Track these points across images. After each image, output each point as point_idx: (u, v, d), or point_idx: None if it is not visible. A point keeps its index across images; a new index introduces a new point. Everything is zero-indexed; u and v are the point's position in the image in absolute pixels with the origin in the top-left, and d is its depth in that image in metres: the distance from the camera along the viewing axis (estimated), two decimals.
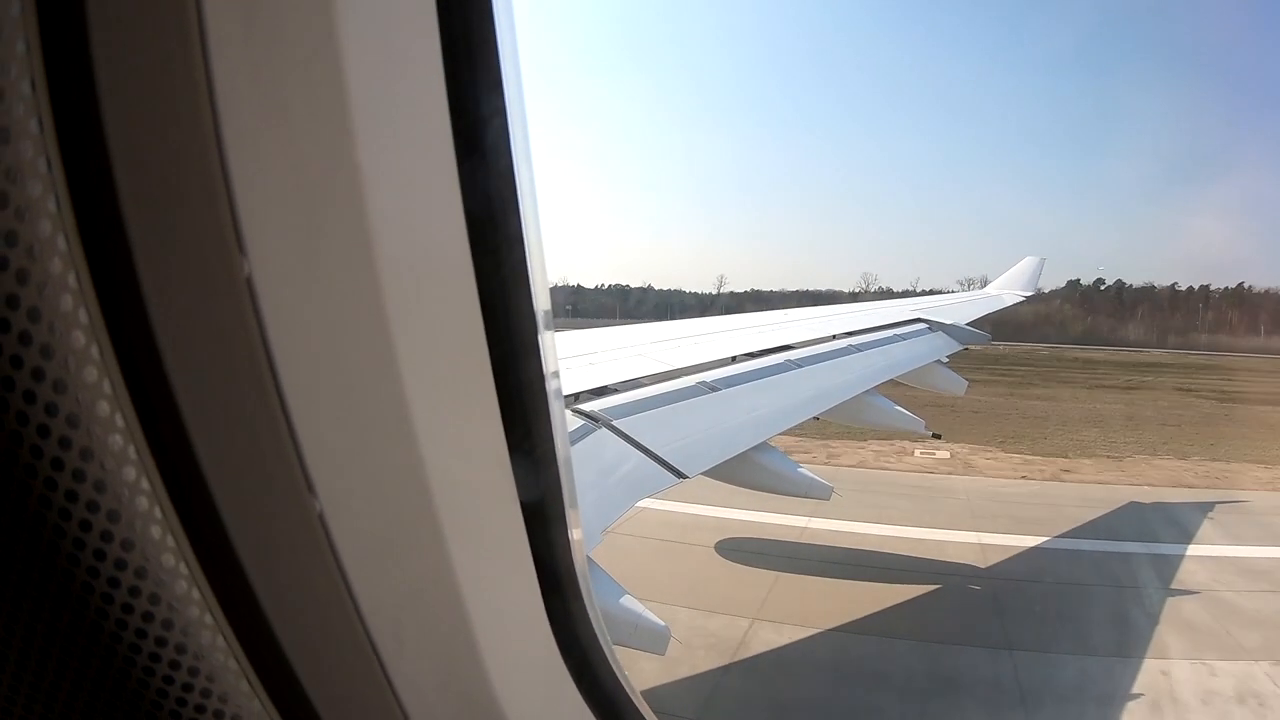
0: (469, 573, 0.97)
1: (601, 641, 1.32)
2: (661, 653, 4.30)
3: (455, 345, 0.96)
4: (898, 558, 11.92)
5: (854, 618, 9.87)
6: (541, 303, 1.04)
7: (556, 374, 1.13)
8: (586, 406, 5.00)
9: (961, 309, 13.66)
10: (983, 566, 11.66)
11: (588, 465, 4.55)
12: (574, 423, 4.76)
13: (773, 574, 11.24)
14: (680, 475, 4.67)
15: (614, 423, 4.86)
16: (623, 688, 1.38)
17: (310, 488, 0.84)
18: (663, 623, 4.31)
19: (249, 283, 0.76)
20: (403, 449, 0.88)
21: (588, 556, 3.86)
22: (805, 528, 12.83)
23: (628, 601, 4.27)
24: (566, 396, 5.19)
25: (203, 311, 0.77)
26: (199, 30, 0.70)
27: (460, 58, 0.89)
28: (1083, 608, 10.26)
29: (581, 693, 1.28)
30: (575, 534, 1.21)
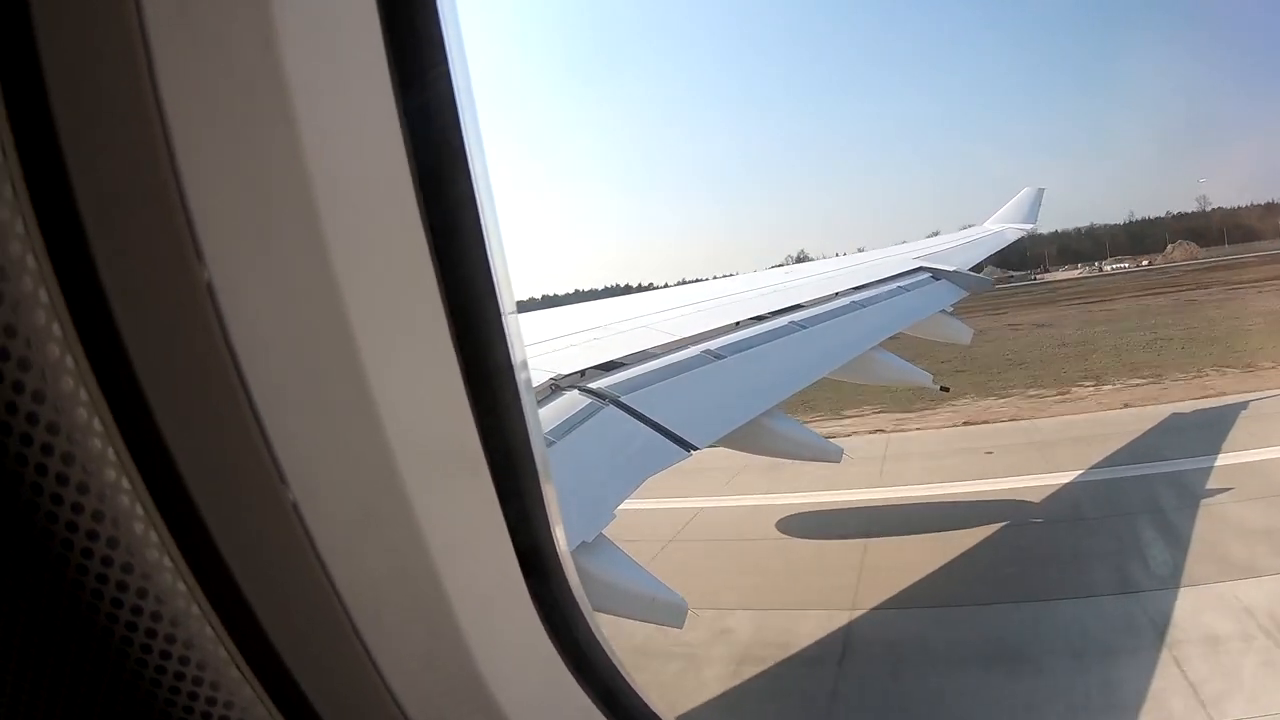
0: (445, 554, 1.01)
1: (585, 615, 1.36)
2: (679, 626, 4.34)
3: (419, 334, 0.99)
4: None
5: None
6: (504, 287, 1.07)
7: (525, 364, 1.17)
8: (594, 385, 5.00)
9: (964, 251, 13.53)
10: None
11: (597, 444, 4.56)
12: (581, 401, 4.76)
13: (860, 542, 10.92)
14: (690, 447, 4.68)
15: (621, 399, 4.86)
16: (608, 659, 1.41)
17: (283, 479, 0.88)
18: (680, 596, 4.33)
19: (210, 288, 0.80)
20: (371, 438, 0.92)
21: (601, 533, 3.92)
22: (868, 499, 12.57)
23: (642, 576, 4.30)
24: (573, 374, 5.20)
25: (168, 319, 0.81)
26: (143, 41, 0.73)
27: (407, 56, 0.92)
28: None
29: (565, 664, 1.31)
30: (551, 507, 1.24)
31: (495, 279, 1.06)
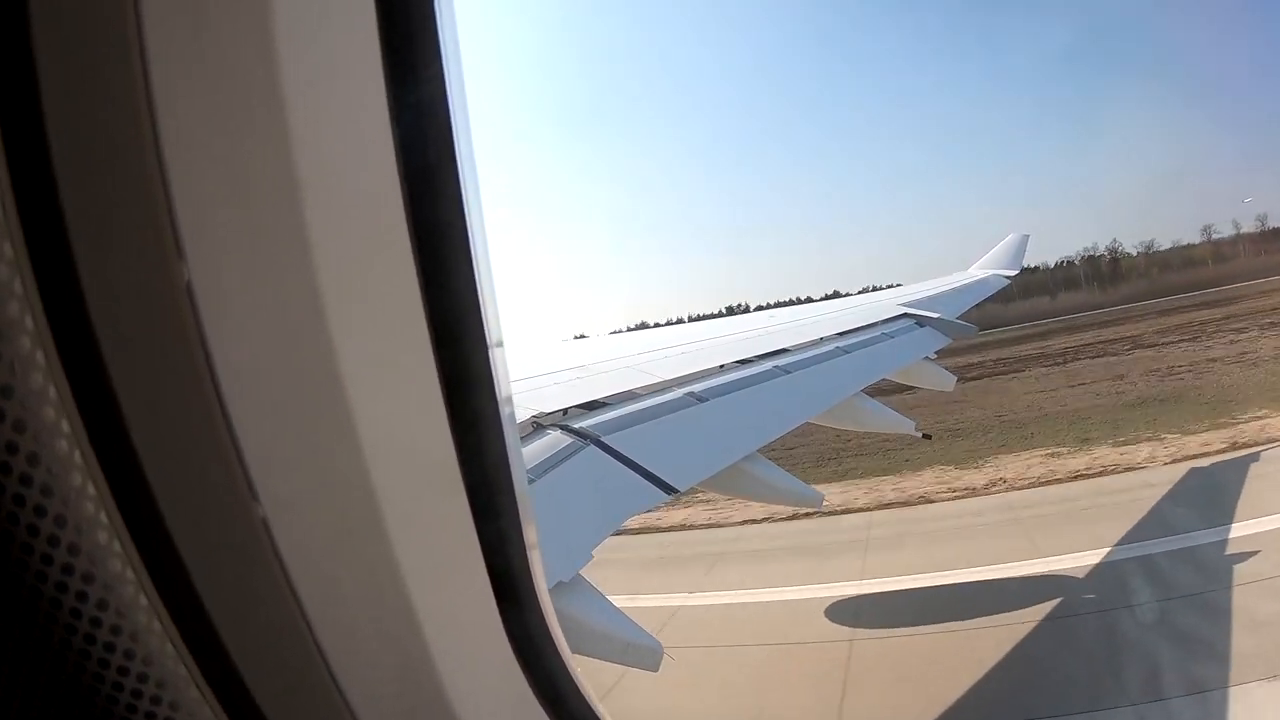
0: (419, 581, 0.98)
1: (560, 649, 1.33)
2: (655, 669, 4.30)
3: (402, 355, 0.97)
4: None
5: None
6: (491, 316, 1.05)
7: (510, 397, 1.14)
8: (576, 424, 4.99)
9: (949, 299, 13.63)
10: None
11: (577, 483, 4.55)
12: (563, 440, 4.75)
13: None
14: (671, 490, 4.67)
15: (603, 439, 4.85)
16: (581, 694, 1.38)
17: (253, 493, 0.85)
18: (655, 639, 4.30)
19: (189, 288, 0.78)
20: (348, 456, 0.90)
21: (578, 574, 3.89)
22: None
23: (618, 617, 4.27)
24: (555, 412, 5.19)
25: (144, 317, 0.79)
26: (138, 38, 0.72)
27: (402, 66, 0.91)
28: None
29: (537, 698, 1.28)
30: (530, 536, 1.21)
31: (482, 304, 1.04)
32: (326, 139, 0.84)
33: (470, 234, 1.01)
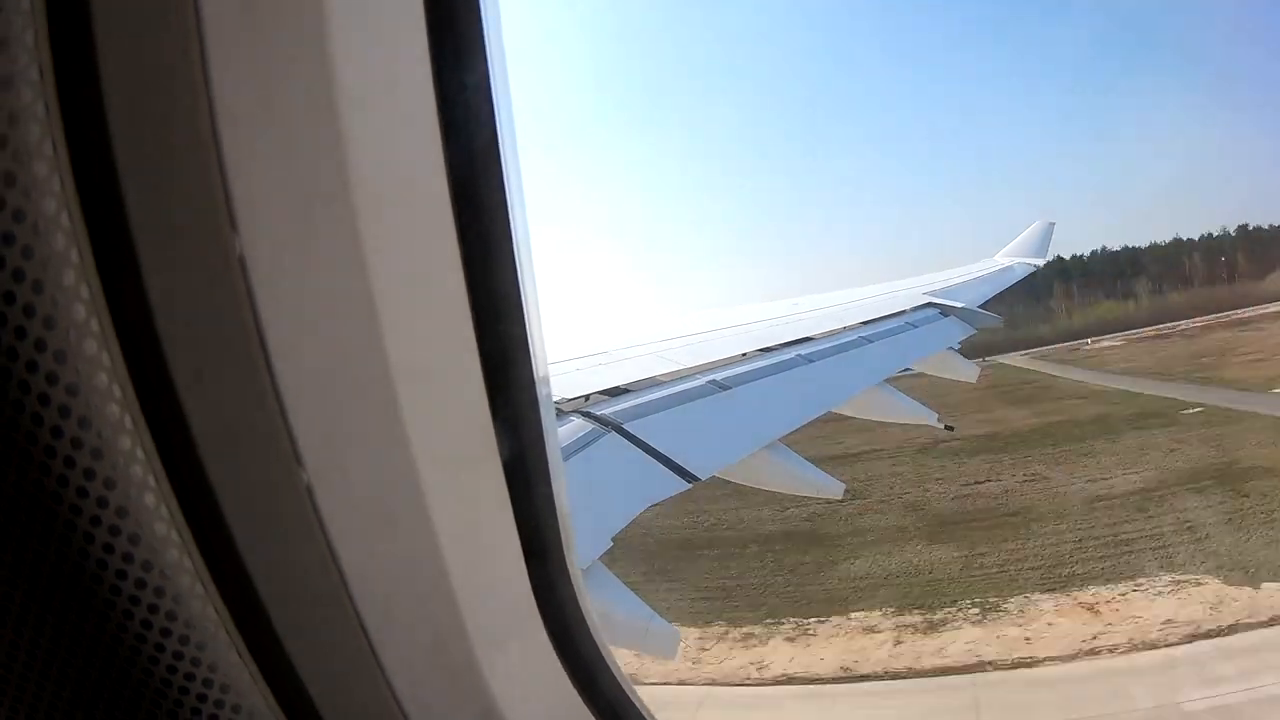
0: (455, 553, 1.00)
1: (592, 629, 1.34)
2: (672, 656, 4.32)
3: (443, 329, 0.99)
4: None
5: None
6: (531, 298, 1.07)
7: (546, 378, 1.16)
8: (598, 411, 4.99)
9: (972, 288, 13.48)
10: None
11: (598, 469, 4.56)
12: (585, 427, 4.76)
13: None
14: (692, 478, 4.67)
15: (625, 426, 4.85)
16: (614, 677, 1.39)
17: (299, 460, 0.88)
18: (673, 626, 4.33)
19: (241, 261, 0.80)
20: (390, 428, 0.92)
21: (597, 560, 3.91)
22: None
23: (637, 606, 4.29)
24: (576, 398, 5.19)
25: (197, 287, 0.81)
26: (196, 17, 0.74)
27: (447, 50, 0.93)
28: None
29: (569, 676, 1.29)
30: (564, 520, 1.23)
31: (522, 282, 1.05)
32: (375, 117, 0.86)
33: (511, 213, 1.02)
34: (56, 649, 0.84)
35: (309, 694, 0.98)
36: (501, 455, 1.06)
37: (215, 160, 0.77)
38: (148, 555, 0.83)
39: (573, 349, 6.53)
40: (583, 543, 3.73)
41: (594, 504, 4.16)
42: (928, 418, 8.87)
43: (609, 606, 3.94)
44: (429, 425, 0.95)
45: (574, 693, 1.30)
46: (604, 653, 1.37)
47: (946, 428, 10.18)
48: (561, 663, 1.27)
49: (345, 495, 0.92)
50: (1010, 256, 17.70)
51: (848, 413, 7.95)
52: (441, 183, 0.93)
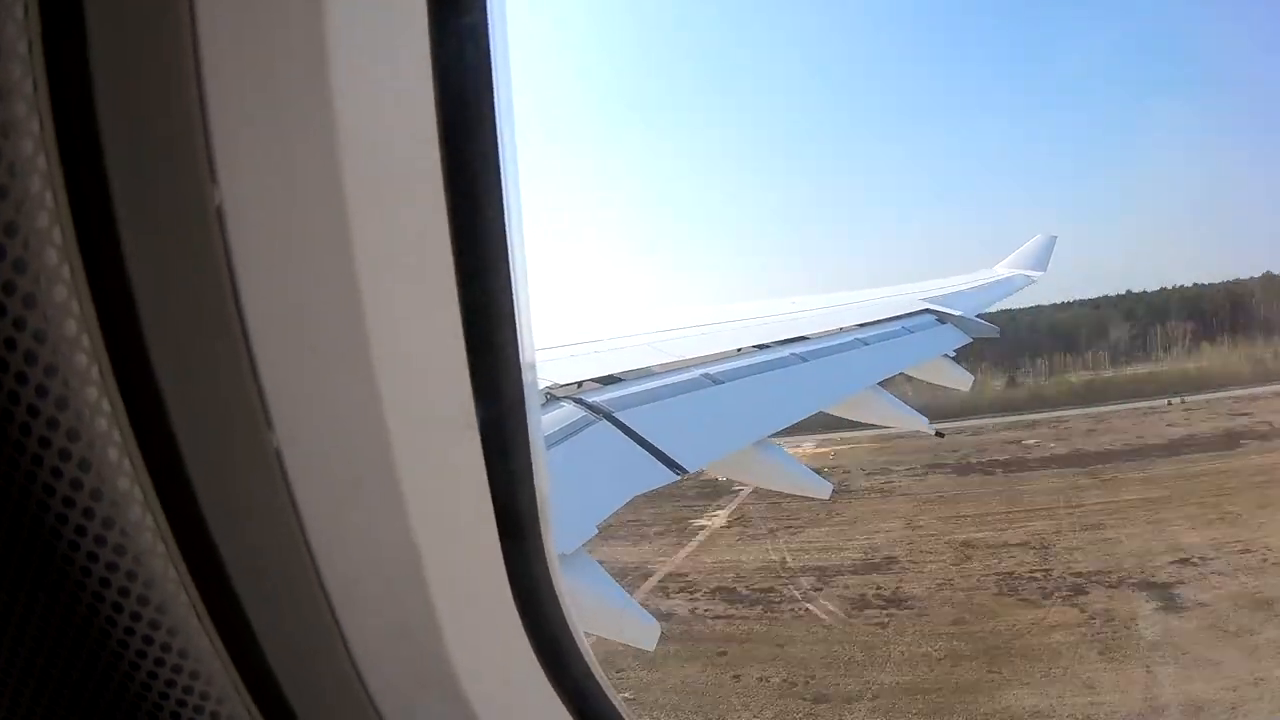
0: (426, 526, 0.97)
1: (566, 614, 1.30)
2: (651, 648, 4.33)
3: (425, 296, 0.96)
4: None
5: None
6: (520, 274, 1.03)
7: (533, 357, 1.12)
8: (590, 398, 4.99)
9: (971, 296, 13.51)
10: None
11: (588, 456, 4.56)
12: (576, 413, 4.76)
13: None
14: (681, 470, 4.67)
15: (616, 414, 4.85)
16: (584, 660, 1.36)
17: (269, 422, 0.85)
18: (653, 618, 4.34)
19: (219, 212, 0.78)
20: (365, 395, 0.89)
21: (581, 547, 3.90)
22: None
23: (619, 595, 4.30)
24: (570, 384, 5.19)
25: (173, 238, 0.79)
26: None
27: (447, 31, 0.90)
28: None
29: (538, 659, 1.26)
30: (543, 500, 1.18)
31: (510, 250, 1.02)
32: (366, 69, 0.83)
33: (503, 178, 0.99)
34: (24, 634, 0.82)
35: (276, 678, 0.96)
36: (480, 429, 1.02)
37: (199, 113, 0.75)
38: (109, 511, 0.80)
39: (569, 336, 6.52)
40: (569, 529, 3.73)
41: (581, 491, 4.16)
42: (919, 422, 8.90)
43: (591, 594, 3.94)
44: (406, 394, 0.92)
45: (544, 679, 1.27)
46: (578, 639, 1.34)
47: (937, 434, 10.19)
48: (532, 648, 1.24)
49: (315, 462, 0.90)
50: (1010, 268, 17.76)
51: (840, 413, 7.96)
52: (433, 143, 0.91)
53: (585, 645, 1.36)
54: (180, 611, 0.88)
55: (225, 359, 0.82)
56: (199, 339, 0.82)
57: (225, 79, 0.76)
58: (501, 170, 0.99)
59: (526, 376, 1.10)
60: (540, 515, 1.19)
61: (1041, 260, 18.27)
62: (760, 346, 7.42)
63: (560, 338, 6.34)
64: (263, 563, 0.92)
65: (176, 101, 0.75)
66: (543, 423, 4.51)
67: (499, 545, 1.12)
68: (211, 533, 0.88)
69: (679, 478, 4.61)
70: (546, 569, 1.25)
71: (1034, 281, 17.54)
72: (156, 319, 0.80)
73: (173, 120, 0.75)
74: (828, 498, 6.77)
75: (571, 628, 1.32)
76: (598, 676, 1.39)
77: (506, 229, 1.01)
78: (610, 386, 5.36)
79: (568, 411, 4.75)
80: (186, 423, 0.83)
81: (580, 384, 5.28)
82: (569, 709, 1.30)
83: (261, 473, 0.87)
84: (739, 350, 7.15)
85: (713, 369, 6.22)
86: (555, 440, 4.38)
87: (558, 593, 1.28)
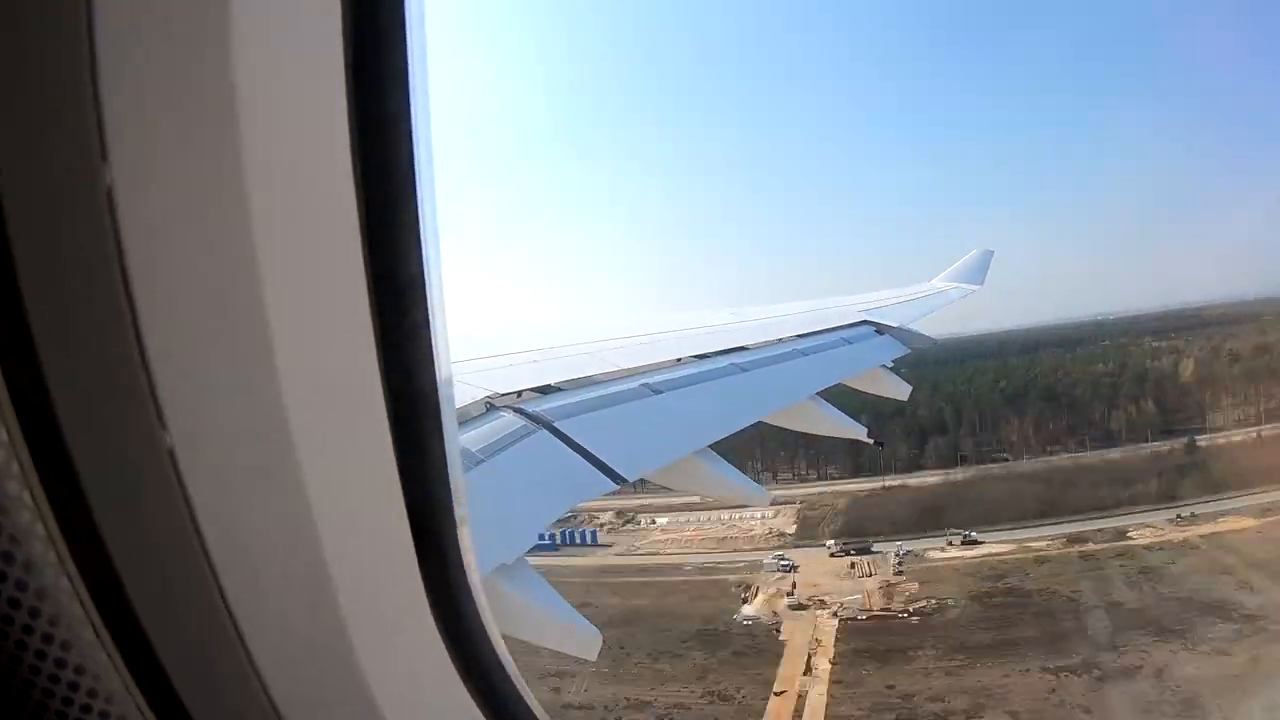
0: (334, 529, 0.93)
1: (482, 613, 1.27)
2: (592, 657, 4.31)
3: (336, 289, 0.91)
4: None
5: None
6: (429, 256, 0.99)
7: (447, 351, 1.08)
8: (530, 408, 4.97)
9: (907, 308, 13.78)
10: None
11: (527, 466, 4.53)
12: (515, 423, 4.73)
13: None
14: (620, 479, 4.68)
15: (555, 424, 4.84)
16: (499, 660, 1.33)
17: (161, 421, 0.80)
18: (595, 628, 4.31)
19: (109, 195, 0.72)
20: (267, 391, 0.84)
21: (522, 556, 3.89)
22: None
23: (559, 604, 4.27)
24: (508, 394, 5.16)
25: (60, 220, 0.73)
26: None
27: (364, 24, 0.85)
28: None
29: (450, 657, 1.23)
30: (457, 486, 1.14)
31: (424, 252, 0.97)
32: (274, 50, 0.78)
33: (417, 174, 0.95)
34: None
35: (170, 678, 0.92)
36: (392, 428, 0.98)
37: (91, 89, 0.70)
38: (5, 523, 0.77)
39: (509, 346, 6.48)
40: (507, 539, 3.70)
41: (520, 500, 4.14)
42: (858, 432, 9.04)
43: (532, 604, 3.91)
44: (312, 392, 0.88)
45: (462, 688, 1.24)
46: (496, 646, 1.31)
47: (877, 444, 10.37)
48: (447, 651, 1.20)
49: (212, 463, 0.85)
50: (947, 281, 18.16)
51: (778, 423, 8.05)
52: (344, 132, 0.87)
53: (504, 649, 1.33)
54: (71, 610, 0.84)
55: (113, 348, 0.77)
56: (88, 331, 0.77)
57: (121, 59, 0.71)
58: (416, 172, 0.95)
59: (441, 381, 1.06)
60: (456, 517, 1.16)
61: (978, 274, 18.71)
62: (700, 356, 7.46)
63: (500, 348, 6.30)
64: (155, 565, 0.88)
65: (70, 78, 0.70)
66: (483, 432, 4.47)
67: (413, 550, 1.08)
68: (103, 534, 0.84)
69: (618, 487, 4.62)
70: (463, 573, 1.22)
71: (970, 294, 17.97)
72: (41, 304, 0.75)
73: (63, 92, 0.70)
74: (766, 504, 6.82)
75: (489, 631, 1.29)
76: (518, 684, 1.37)
77: (422, 242, 0.98)
78: (550, 396, 5.35)
79: (507, 421, 4.72)
80: (75, 417, 0.78)
81: (520, 394, 5.25)
82: (484, 712, 1.28)
83: (154, 472, 0.82)
84: (679, 360, 7.19)
85: (652, 379, 6.25)
86: (494, 450, 4.35)
87: (476, 601, 1.25)
